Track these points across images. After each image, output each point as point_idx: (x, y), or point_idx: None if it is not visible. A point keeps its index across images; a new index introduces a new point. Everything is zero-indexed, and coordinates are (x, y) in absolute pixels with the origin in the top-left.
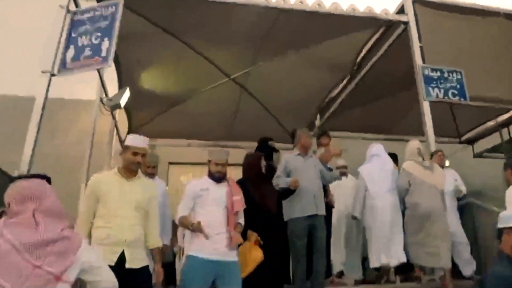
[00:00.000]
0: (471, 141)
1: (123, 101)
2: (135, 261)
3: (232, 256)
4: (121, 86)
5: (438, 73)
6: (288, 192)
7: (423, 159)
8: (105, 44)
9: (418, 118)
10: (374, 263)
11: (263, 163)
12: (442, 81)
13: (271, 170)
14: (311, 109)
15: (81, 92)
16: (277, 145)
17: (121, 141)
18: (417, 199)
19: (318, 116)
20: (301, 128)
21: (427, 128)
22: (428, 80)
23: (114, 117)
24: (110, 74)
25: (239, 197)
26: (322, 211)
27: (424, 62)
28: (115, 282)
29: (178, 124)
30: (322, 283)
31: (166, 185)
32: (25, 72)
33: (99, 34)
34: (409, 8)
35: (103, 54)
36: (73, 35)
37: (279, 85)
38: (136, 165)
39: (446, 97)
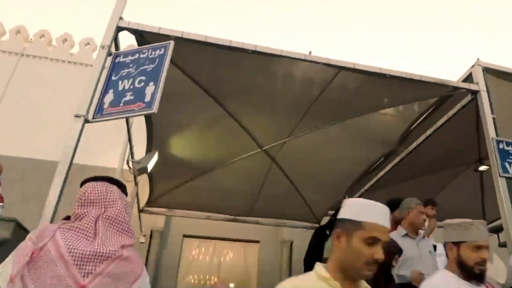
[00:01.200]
0: (497, 230)
1: (151, 165)
2: None
3: None
4: (149, 150)
5: None
6: None
7: None
8: (150, 88)
9: (445, 202)
10: None
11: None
12: None
13: None
14: (342, 188)
15: (104, 160)
16: (296, 223)
17: (140, 210)
18: None
19: (347, 196)
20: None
21: (504, 208)
22: (503, 155)
23: (136, 183)
24: (135, 138)
25: None
26: None
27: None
28: None
29: (199, 195)
30: None
31: (179, 256)
32: (52, 137)
33: (143, 78)
34: (479, 77)
35: (147, 99)
36: (113, 78)
37: (312, 160)
38: (374, 265)
39: None
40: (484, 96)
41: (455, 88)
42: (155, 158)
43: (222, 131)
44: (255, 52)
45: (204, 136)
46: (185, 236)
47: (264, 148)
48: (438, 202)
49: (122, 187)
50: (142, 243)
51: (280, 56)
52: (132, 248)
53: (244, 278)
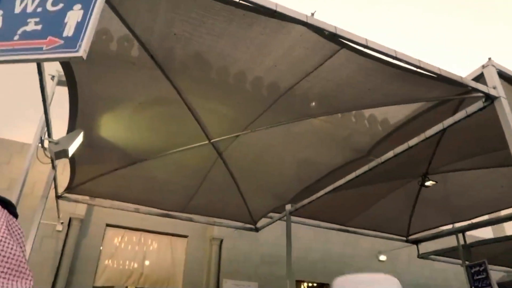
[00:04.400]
0: (416, 242)
1: (73, 148)
2: None
3: None
4: (72, 129)
5: None
6: None
7: None
8: (75, 15)
9: (376, 212)
10: None
11: None
12: None
13: None
14: (288, 193)
15: (22, 133)
16: (231, 223)
17: (58, 196)
18: None
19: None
20: None
21: None
22: None
23: (54, 167)
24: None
25: None
26: None
27: None
28: None
29: (128, 186)
30: None
31: (100, 247)
32: None
33: None
34: (496, 81)
35: (68, 32)
36: None
37: (262, 159)
38: None
39: None
40: (505, 103)
41: (470, 91)
42: (79, 139)
43: (167, 115)
44: (236, 4)
45: (143, 118)
46: (108, 225)
47: (212, 141)
48: (371, 211)
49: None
50: (59, 231)
51: (274, 12)
52: None
53: (169, 273)
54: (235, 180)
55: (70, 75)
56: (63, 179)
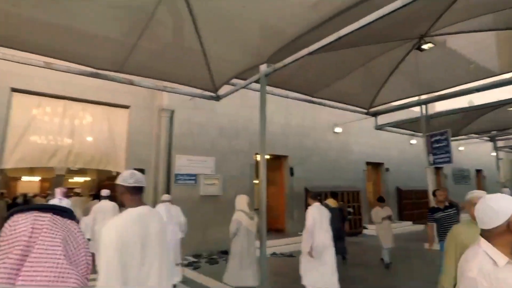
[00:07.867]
0: (375, 114)
1: None
2: None
3: None
4: None
5: None
6: None
7: (250, 210)
8: None
9: (344, 85)
10: None
11: None
12: None
13: None
14: (265, 51)
15: None
16: (184, 88)
17: None
18: (241, 242)
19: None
20: None
21: None
22: None
23: None
24: None
25: None
26: None
27: None
28: None
29: (33, 28)
30: None
31: (7, 119)
32: None
33: None
34: None
35: None
36: None
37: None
38: None
39: None
40: None
41: None
42: None
43: None
44: None
45: None
46: (14, 90)
47: None
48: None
49: None
50: None
51: None
52: None
53: (108, 150)
54: (196, 26)
55: None
56: None
